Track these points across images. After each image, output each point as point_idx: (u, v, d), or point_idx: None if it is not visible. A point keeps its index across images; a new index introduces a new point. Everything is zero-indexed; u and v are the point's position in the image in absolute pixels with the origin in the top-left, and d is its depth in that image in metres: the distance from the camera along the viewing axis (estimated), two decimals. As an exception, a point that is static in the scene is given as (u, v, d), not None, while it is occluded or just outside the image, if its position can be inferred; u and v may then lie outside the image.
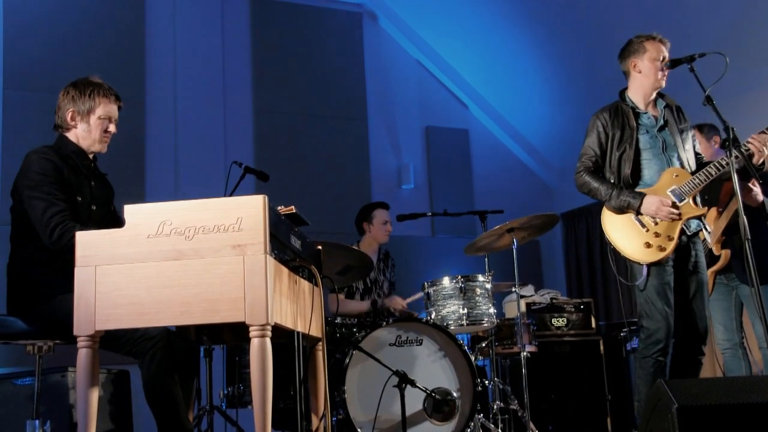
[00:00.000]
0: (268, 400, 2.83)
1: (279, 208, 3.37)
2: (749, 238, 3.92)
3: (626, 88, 4.83)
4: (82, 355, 2.94)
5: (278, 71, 8.84)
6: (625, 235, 4.60)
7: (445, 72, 10.14)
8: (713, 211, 5.54)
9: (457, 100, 10.23)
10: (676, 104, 4.85)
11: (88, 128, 3.95)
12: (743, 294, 5.41)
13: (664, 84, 4.70)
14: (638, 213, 4.56)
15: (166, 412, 3.48)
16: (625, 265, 4.64)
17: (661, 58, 4.66)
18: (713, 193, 5.54)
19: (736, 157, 4.21)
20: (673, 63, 4.50)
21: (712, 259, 5.50)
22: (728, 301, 5.55)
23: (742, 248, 3.97)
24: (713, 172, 4.50)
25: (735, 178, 4.10)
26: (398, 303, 6.22)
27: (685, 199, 4.53)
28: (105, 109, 3.97)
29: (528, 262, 9.18)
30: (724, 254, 5.45)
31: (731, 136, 4.15)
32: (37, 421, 3.74)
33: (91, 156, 4.03)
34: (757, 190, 5.24)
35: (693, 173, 4.62)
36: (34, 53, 7.52)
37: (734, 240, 5.26)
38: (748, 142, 4.49)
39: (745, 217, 3.98)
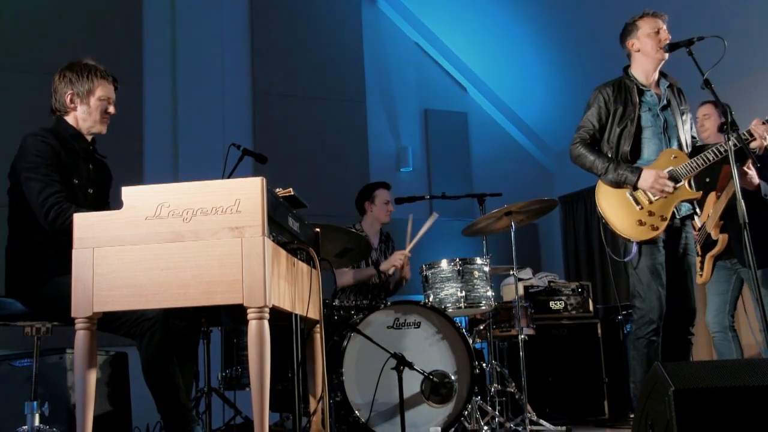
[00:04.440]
0: (265, 382, 2.84)
1: (277, 190, 3.37)
2: (747, 221, 3.92)
3: (629, 66, 4.84)
4: (80, 336, 2.94)
5: (277, 53, 8.81)
6: (619, 211, 4.61)
7: (443, 55, 10.12)
8: (712, 195, 5.54)
9: (456, 83, 10.21)
10: (678, 85, 4.85)
11: (89, 110, 3.95)
12: (747, 277, 5.41)
13: (666, 56, 4.68)
14: (634, 188, 4.56)
15: (165, 392, 3.49)
16: (616, 241, 4.65)
17: (656, 31, 4.67)
18: (712, 177, 5.54)
19: (734, 144, 4.22)
20: (672, 47, 4.49)
21: (712, 243, 5.51)
22: (726, 285, 5.56)
23: (741, 232, 3.97)
24: (711, 158, 4.49)
25: (733, 161, 4.10)
26: (397, 259, 6.14)
27: (681, 181, 4.52)
28: (104, 90, 3.98)
29: (526, 245, 9.19)
30: (722, 238, 5.45)
31: (729, 120, 4.16)
32: (35, 403, 3.75)
33: (89, 138, 4.03)
34: (752, 173, 5.23)
35: (690, 156, 4.62)
36: (26, 34, 7.49)
37: (733, 224, 5.26)
38: (752, 130, 4.50)
39: (743, 200, 3.98)
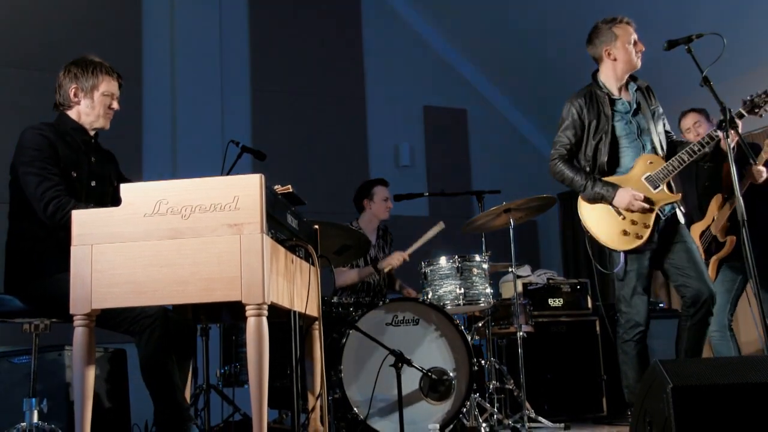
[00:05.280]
0: (264, 379, 2.84)
1: (276, 187, 3.37)
2: (746, 219, 3.92)
3: (597, 71, 4.84)
4: (79, 333, 2.95)
5: (276, 49, 8.81)
6: (602, 222, 4.62)
7: (443, 51, 10.10)
8: (718, 197, 5.53)
9: (455, 79, 10.20)
10: (646, 84, 4.86)
11: (92, 104, 3.97)
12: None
13: (640, 64, 4.72)
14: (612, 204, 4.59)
15: (163, 390, 3.49)
16: (602, 251, 4.68)
17: (632, 41, 4.69)
18: (712, 180, 5.54)
19: (736, 143, 4.23)
20: (671, 44, 4.47)
21: (717, 246, 5.50)
22: (731, 284, 5.54)
23: (750, 233, 3.95)
24: (686, 158, 4.52)
25: (732, 160, 4.09)
26: (395, 258, 6.14)
27: (659, 185, 4.54)
28: (108, 86, 4.00)
29: (525, 243, 9.19)
30: (729, 241, 5.44)
31: (728, 118, 4.15)
32: (33, 400, 3.75)
33: (92, 133, 4.04)
34: (761, 168, 5.20)
35: (668, 152, 4.66)
36: (27, 30, 7.48)
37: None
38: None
39: (745, 198, 3.98)
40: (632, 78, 4.81)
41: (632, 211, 4.54)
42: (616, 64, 4.73)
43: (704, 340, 4.57)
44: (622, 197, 4.52)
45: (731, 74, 6.75)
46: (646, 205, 4.49)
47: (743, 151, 4.74)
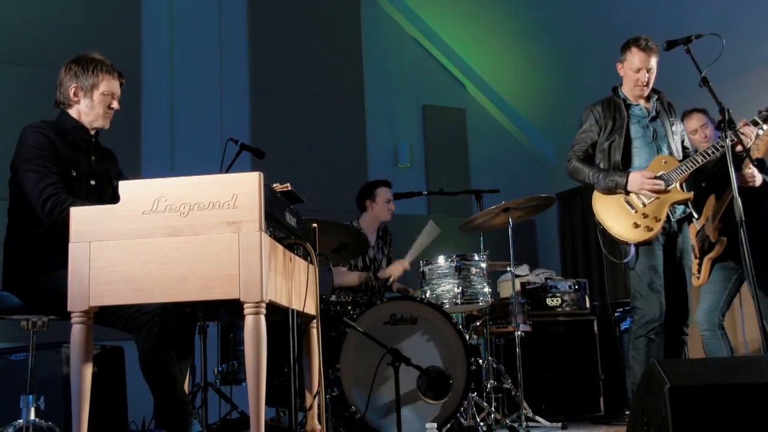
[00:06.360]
0: (262, 377, 2.84)
1: (275, 185, 3.37)
2: (743, 219, 3.93)
3: (621, 84, 5.02)
4: (76, 330, 2.95)
5: (275, 48, 8.80)
6: (615, 216, 4.76)
7: (442, 51, 10.11)
8: (712, 197, 5.53)
9: (454, 78, 10.21)
10: (668, 100, 5.03)
11: (92, 104, 3.95)
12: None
13: (644, 93, 4.90)
14: (626, 192, 4.73)
15: (163, 386, 3.49)
16: (614, 245, 4.80)
17: (638, 69, 4.83)
18: (709, 181, 5.53)
19: (732, 140, 4.24)
20: (670, 44, 4.50)
21: (710, 246, 5.51)
22: (725, 284, 5.53)
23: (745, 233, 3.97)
24: (700, 160, 4.66)
25: (730, 159, 4.10)
26: (395, 269, 6.15)
27: (672, 183, 4.67)
28: (108, 85, 3.98)
29: (523, 242, 9.20)
30: (721, 242, 5.44)
31: (726, 118, 4.17)
32: (31, 396, 3.74)
33: (92, 132, 4.03)
34: (751, 170, 5.19)
35: (681, 161, 4.76)
36: (26, 27, 7.48)
37: (733, 226, 5.26)
38: (741, 132, 4.56)
39: (740, 199, 3.98)
40: (655, 91, 4.98)
41: (644, 204, 4.67)
42: (625, 81, 4.96)
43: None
44: (634, 179, 4.69)
45: (730, 75, 6.75)
46: (658, 182, 4.64)
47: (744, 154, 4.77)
